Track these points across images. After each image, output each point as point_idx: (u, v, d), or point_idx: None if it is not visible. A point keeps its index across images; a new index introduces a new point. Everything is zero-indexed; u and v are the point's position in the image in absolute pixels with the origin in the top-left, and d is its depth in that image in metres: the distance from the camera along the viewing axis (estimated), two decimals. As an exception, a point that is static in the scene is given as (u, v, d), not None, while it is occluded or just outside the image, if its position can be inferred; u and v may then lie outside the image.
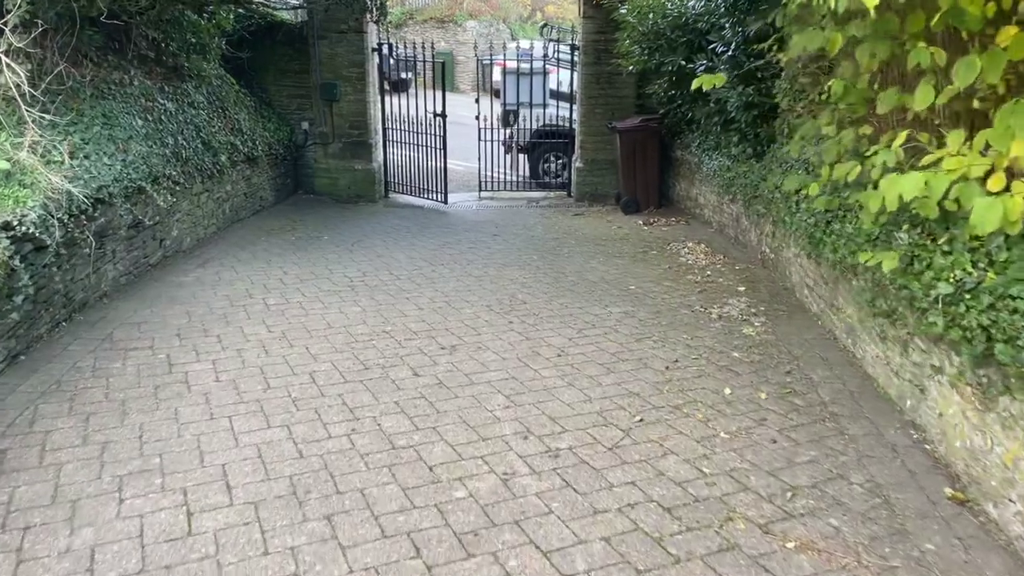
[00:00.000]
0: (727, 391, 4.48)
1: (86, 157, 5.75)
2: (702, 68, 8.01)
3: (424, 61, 11.04)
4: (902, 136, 3.16)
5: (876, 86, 4.01)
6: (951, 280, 3.19)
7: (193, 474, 3.51)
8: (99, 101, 6.46)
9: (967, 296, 3.13)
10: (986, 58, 2.84)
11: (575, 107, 11.44)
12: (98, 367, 4.72)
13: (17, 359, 4.69)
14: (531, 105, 11.92)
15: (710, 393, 4.46)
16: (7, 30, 5.26)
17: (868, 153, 3.58)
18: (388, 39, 11.42)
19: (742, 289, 6.56)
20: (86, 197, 5.38)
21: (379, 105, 11.38)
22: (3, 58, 5.20)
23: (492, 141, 11.53)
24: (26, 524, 3.10)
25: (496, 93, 14.79)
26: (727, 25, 7.87)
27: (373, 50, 10.97)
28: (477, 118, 11.42)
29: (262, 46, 10.40)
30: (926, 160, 2.95)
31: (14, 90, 5.23)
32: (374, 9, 10.34)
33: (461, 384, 4.60)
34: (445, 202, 11.19)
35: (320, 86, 10.75)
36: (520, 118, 12.29)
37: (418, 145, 11.22)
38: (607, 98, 10.86)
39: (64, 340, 5.10)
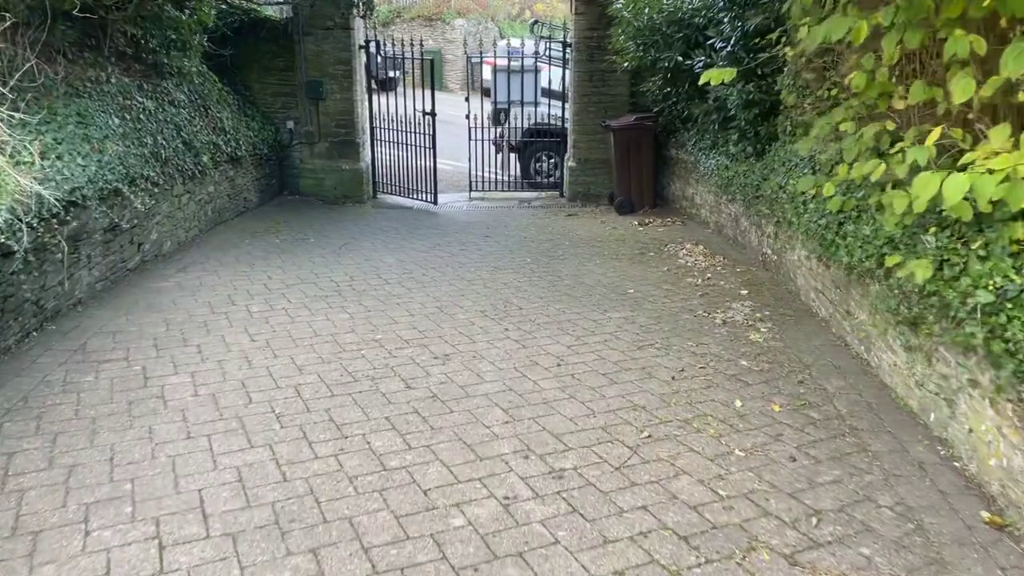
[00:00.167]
0: (738, 403, 4.23)
1: (58, 158, 5.45)
2: (700, 64, 7.81)
3: (412, 59, 10.79)
4: (936, 132, 2.91)
5: (894, 80, 3.78)
6: (991, 287, 2.95)
7: (167, 501, 3.23)
8: (73, 99, 6.16)
9: (1008, 305, 2.89)
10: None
11: (567, 105, 11.20)
12: (69, 381, 4.42)
13: (-19, 374, 4.39)
14: (522, 103, 11.68)
15: (720, 406, 4.21)
16: (-29, 23, 4.98)
17: (893, 151, 3.34)
18: (375, 37, 11.14)
19: (745, 292, 6.33)
20: (58, 200, 5.08)
21: (366, 104, 11.10)
22: (-34, 52, 4.91)
23: (482, 140, 11.29)
24: (-20, 562, 2.81)
25: (486, 92, 14.52)
26: (726, 20, 7.65)
27: (360, 47, 10.70)
28: (467, 117, 11.17)
29: (246, 43, 10.11)
30: (966, 159, 2.71)
31: (-21, 87, 4.94)
32: (361, 5, 10.09)
33: (456, 397, 4.33)
34: (435, 203, 10.92)
35: (306, 84, 10.45)
36: (511, 116, 12.04)
37: (407, 144, 10.96)
38: (600, 96, 10.64)
39: (34, 352, 4.80)
